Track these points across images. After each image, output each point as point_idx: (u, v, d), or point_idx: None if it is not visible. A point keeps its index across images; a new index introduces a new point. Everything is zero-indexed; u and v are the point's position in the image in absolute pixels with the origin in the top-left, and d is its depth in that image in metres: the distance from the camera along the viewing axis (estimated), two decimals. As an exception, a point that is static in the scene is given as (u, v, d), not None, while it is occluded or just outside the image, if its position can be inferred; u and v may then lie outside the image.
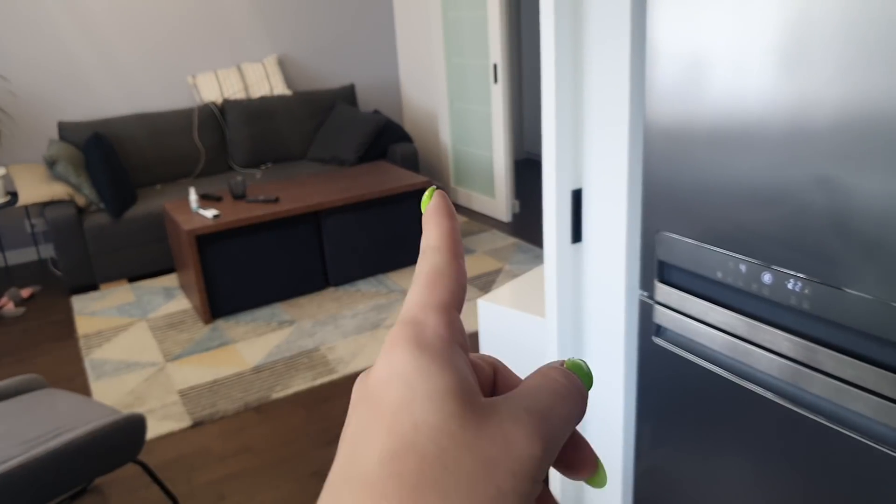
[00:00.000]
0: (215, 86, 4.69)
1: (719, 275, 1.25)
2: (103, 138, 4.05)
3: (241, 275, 3.52)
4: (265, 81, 4.83)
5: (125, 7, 4.42)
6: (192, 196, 3.58)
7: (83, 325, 3.52)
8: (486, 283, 3.69)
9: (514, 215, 4.82)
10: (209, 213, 3.47)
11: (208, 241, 3.40)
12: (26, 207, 4.37)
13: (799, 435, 1.17)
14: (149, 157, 4.40)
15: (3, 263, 4.40)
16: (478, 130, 4.79)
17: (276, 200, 3.64)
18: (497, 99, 4.49)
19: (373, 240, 3.83)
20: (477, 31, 4.52)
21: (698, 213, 1.26)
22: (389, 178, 3.95)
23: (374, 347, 3.09)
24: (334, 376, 2.88)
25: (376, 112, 4.83)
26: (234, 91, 4.73)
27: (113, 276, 3.98)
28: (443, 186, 5.28)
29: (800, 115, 1.04)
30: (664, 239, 1.34)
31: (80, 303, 3.79)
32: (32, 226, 4.42)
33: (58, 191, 3.81)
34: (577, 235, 1.56)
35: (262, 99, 4.72)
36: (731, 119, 1.15)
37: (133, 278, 4.08)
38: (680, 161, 1.27)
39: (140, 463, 1.95)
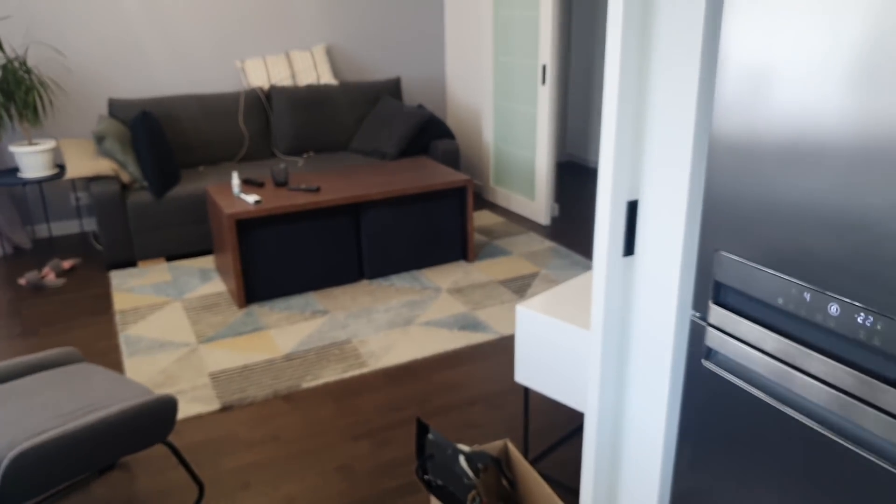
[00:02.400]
0: (263, 71, 4.72)
1: (780, 301, 1.19)
2: (150, 117, 4.09)
3: (277, 262, 3.53)
4: (312, 70, 4.84)
5: (180, -11, 4.46)
6: (235, 180, 3.59)
7: (120, 300, 3.57)
8: (522, 287, 3.64)
9: (553, 219, 4.76)
10: (251, 198, 3.49)
11: (248, 227, 3.41)
12: (73, 181, 4.45)
13: (849, 470, 1.11)
14: (194, 138, 4.45)
15: (47, 234, 4.49)
16: (521, 130, 4.73)
17: (318, 190, 3.64)
18: (544, 100, 4.42)
19: (410, 235, 3.81)
20: (528, 31, 4.46)
21: (762, 235, 1.20)
22: (430, 174, 3.92)
23: (405, 344, 3.07)
24: (365, 370, 2.87)
25: (420, 107, 4.81)
26: (282, 78, 4.75)
27: (151, 254, 4.03)
28: (481, 184, 5.24)
29: (882, 138, 0.98)
30: (722, 259, 1.29)
31: (118, 278, 3.84)
32: (77, 199, 4.50)
33: (103, 166, 3.87)
34: (629, 248, 1.50)
35: (309, 87, 4.73)
36: (804, 137, 1.09)
37: (171, 257, 4.13)
38: (745, 178, 1.21)
39: (169, 444, 1.96)
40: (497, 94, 4.92)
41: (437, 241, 3.90)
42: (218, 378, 2.84)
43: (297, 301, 3.54)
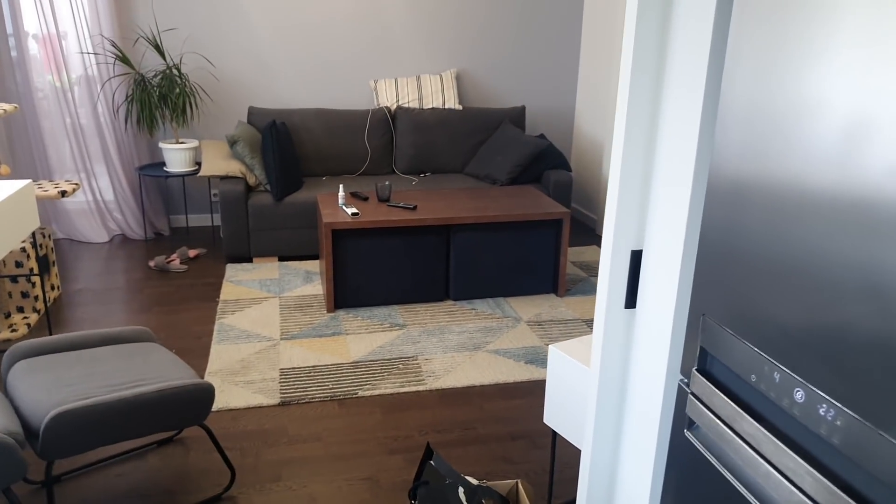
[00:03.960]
0: (393, 92, 4.95)
1: (753, 378, 1.07)
2: (278, 126, 4.44)
3: (368, 272, 3.68)
4: (440, 94, 5.00)
5: (323, 12, 4.81)
6: (341, 192, 3.80)
7: (227, 291, 3.90)
8: (605, 329, 3.50)
9: (662, 263, 4.52)
10: (350, 210, 3.67)
11: (343, 236, 3.59)
12: (209, 178, 4.93)
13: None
14: (321, 150, 4.76)
15: (185, 224, 5.01)
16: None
17: (414, 209, 3.75)
18: (662, 138, 4.24)
19: (499, 262, 3.81)
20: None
21: (743, 304, 1.09)
22: (529, 203, 3.90)
23: (467, 368, 3.07)
24: (420, 388, 2.91)
25: (541, 136, 4.80)
26: (410, 99, 4.96)
27: (266, 252, 4.35)
28: (596, 219, 5.10)
29: (866, 202, 0.84)
30: (708, 325, 1.18)
31: (231, 270, 4.19)
32: (213, 195, 4.98)
33: (234, 167, 4.25)
34: (631, 300, 1.42)
35: (433, 110, 4.89)
36: (787, 190, 0.98)
37: (283, 257, 4.44)
38: (734, 234, 1.11)
39: (206, 428, 2.11)
40: (618, 129, 4.78)
41: (527, 271, 3.86)
42: (287, 374, 3.01)
43: (380, 312, 3.66)
